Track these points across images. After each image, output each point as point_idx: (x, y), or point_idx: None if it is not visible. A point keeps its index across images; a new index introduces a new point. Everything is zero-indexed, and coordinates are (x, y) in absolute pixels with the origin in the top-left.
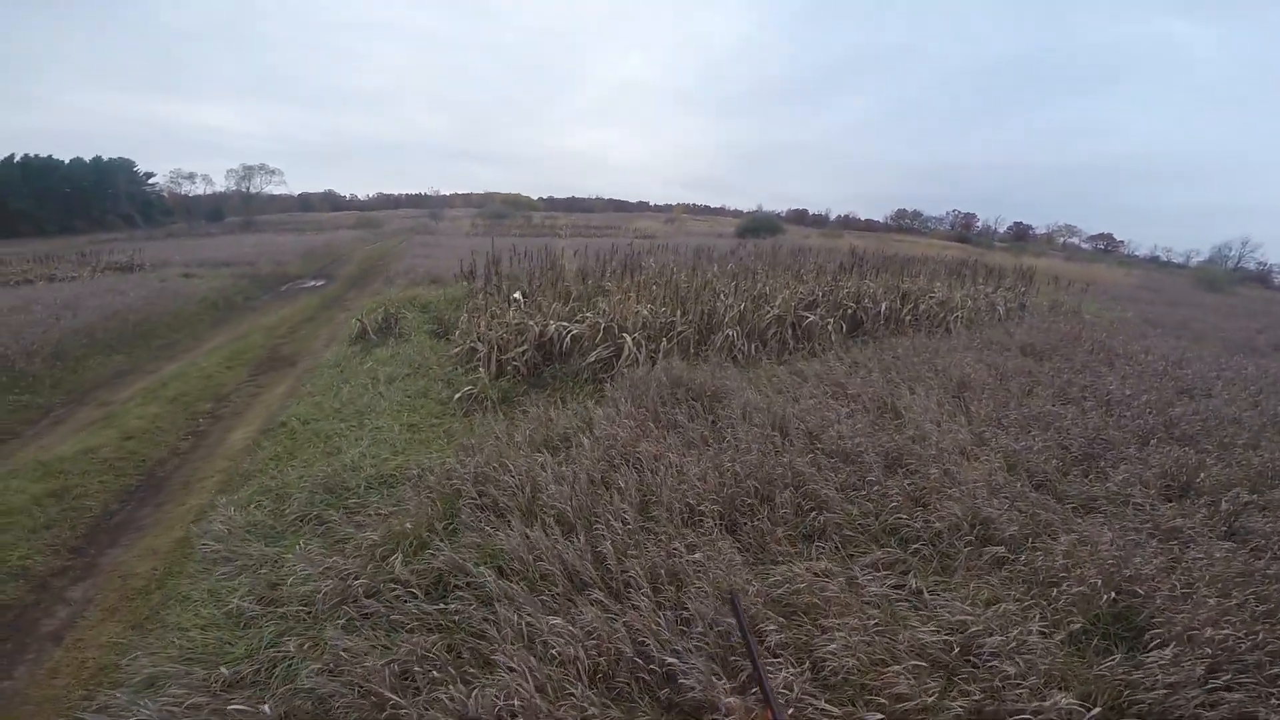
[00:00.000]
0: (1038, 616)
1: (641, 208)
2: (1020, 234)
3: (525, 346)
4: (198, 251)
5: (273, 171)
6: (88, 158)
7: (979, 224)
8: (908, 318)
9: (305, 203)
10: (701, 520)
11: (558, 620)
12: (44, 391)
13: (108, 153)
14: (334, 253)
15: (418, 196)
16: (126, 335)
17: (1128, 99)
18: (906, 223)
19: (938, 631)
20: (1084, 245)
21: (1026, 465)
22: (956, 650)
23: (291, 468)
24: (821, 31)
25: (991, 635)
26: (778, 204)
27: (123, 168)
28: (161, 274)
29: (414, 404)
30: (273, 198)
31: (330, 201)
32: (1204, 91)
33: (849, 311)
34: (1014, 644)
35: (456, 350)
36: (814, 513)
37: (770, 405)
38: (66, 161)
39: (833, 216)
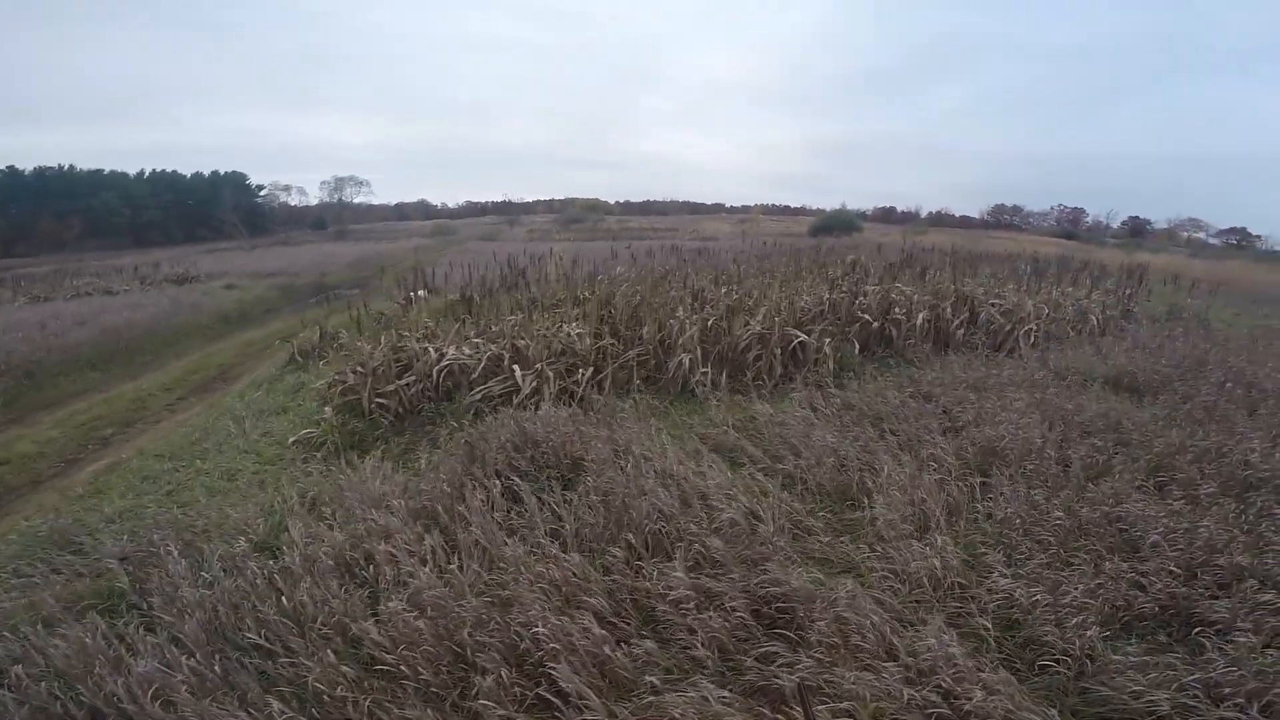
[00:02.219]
0: None
1: (716, 209)
2: (1136, 229)
3: (409, 378)
4: (259, 262)
5: (362, 182)
6: (208, 171)
7: (1088, 219)
8: (958, 332)
9: (401, 211)
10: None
11: None
12: None
13: (228, 166)
14: (384, 261)
15: (503, 203)
16: (113, 352)
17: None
18: (1005, 218)
19: None
20: (1212, 240)
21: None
22: None
23: (83, 506)
24: (909, 17)
25: None
26: (864, 201)
27: (235, 181)
28: (206, 286)
29: (258, 445)
30: (371, 207)
31: (423, 210)
32: None
33: (872, 326)
34: None
35: (321, 383)
36: None
37: (632, 482)
38: (188, 176)
39: (924, 213)
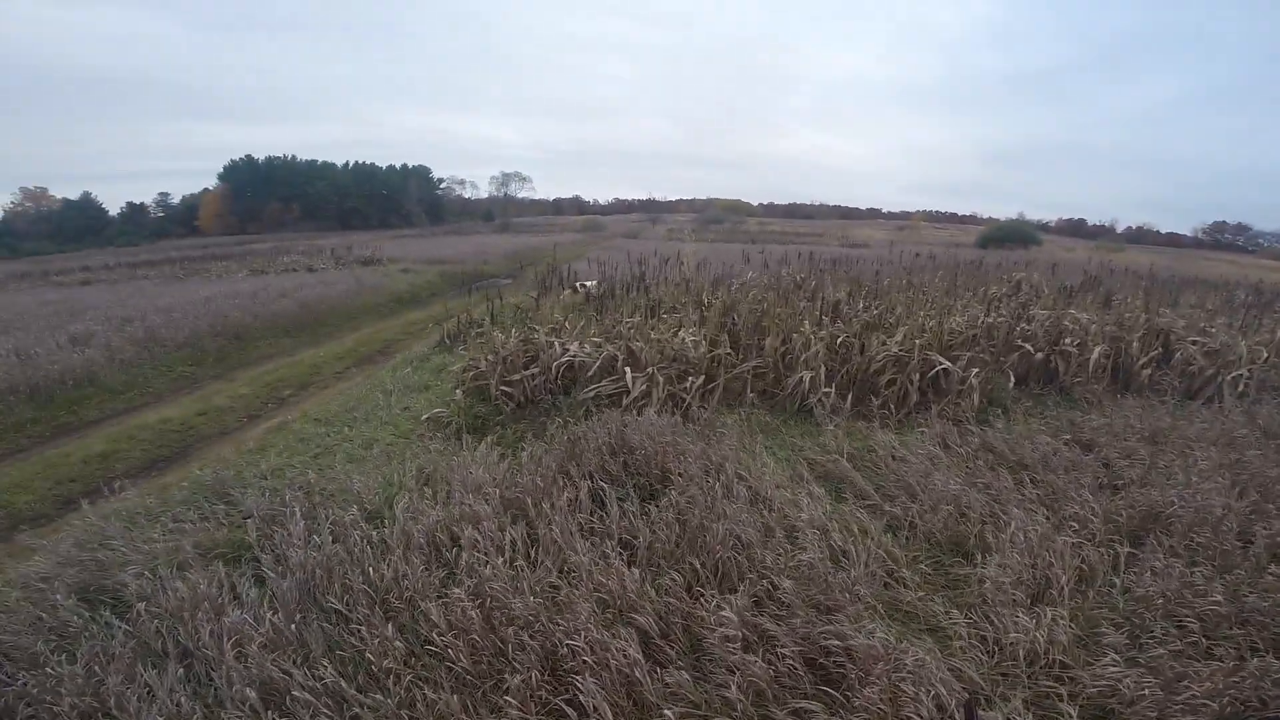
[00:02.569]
0: None
1: (872, 215)
2: None
3: (533, 370)
4: (432, 249)
5: (525, 178)
6: (398, 165)
7: None
8: (1143, 371)
9: (558, 207)
10: None
11: None
12: (207, 364)
13: (412, 160)
14: (537, 253)
15: (648, 201)
16: (305, 322)
17: None
18: (1225, 237)
19: None
20: None
21: None
22: None
23: (246, 460)
24: (1087, 11)
25: None
26: (1046, 212)
27: (421, 174)
28: (386, 269)
29: (398, 419)
30: (532, 201)
31: (577, 205)
32: None
33: (1035, 356)
34: None
35: (458, 366)
36: None
37: (717, 503)
38: (383, 168)
39: (1120, 227)
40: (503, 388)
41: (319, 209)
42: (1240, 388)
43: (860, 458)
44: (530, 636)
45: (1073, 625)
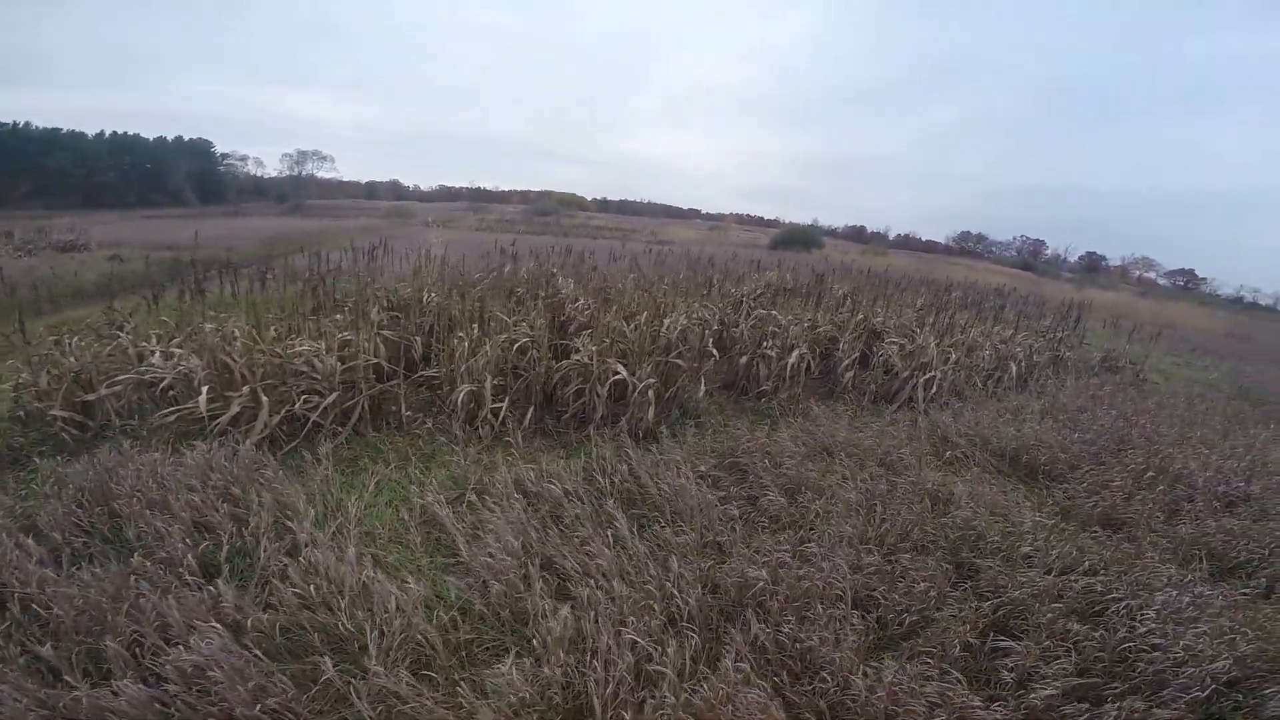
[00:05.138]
0: None
1: (692, 215)
2: (1092, 265)
3: (119, 387)
4: (173, 232)
5: (325, 157)
6: (170, 137)
7: (1047, 252)
8: (846, 374)
9: (372, 190)
10: None
11: None
12: None
13: (197, 134)
14: (308, 240)
15: (478, 190)
16: None
17: (1234, 123)
18: (969, 245)
19: None
20: (1161, 281)
21: None
22: None
23: None
24: (897, 36)
25: None
26: (838, 218)
27: (199, 148)
28: (89, 256)
29: None
30: (341, 183)
31: (394, 190)
32: None
33: (740, 361)
34: None
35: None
36: None
37: None
38: (151, 139)
39: (892, 234)
40: (63, 412)
41: (58, 184)
42: (933, 390)
43: (491, 489)
44: None
45: None
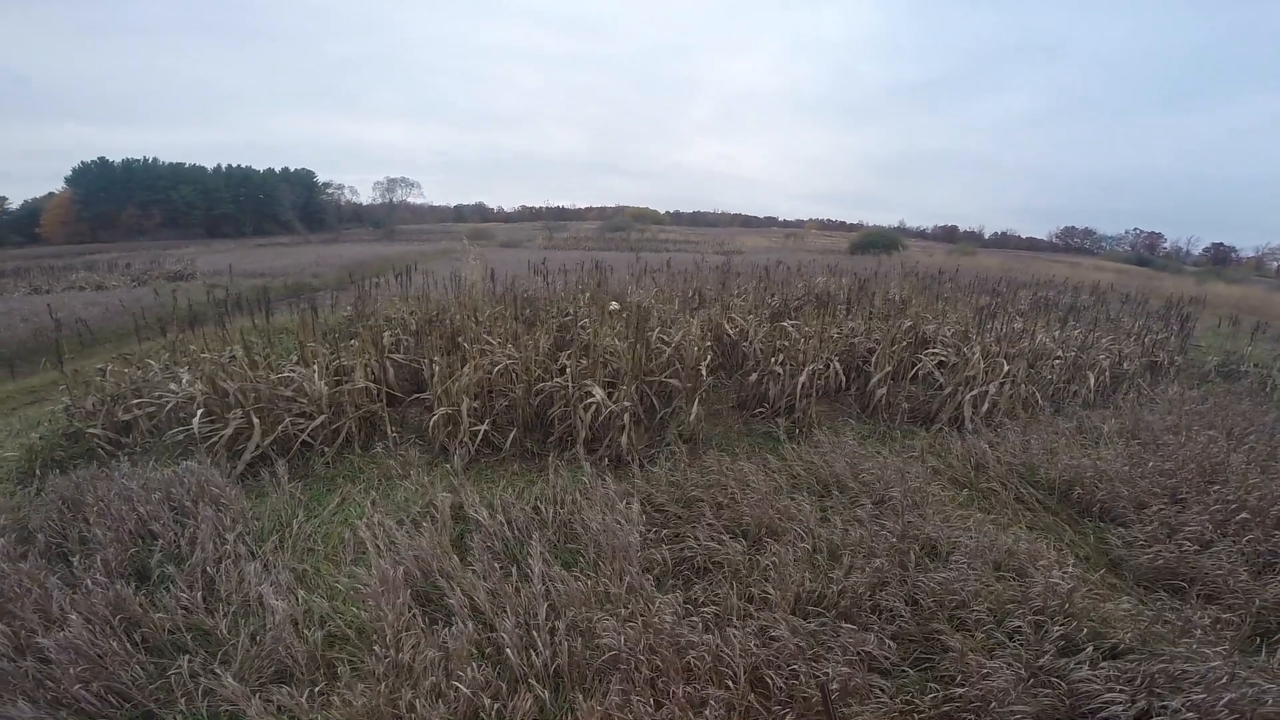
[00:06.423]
0: None
1: (769, 223)
2: (1219, 257)
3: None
4: (269, 260)
5: (412, 184)
6: (277, 168)
7: (1165, 244)
8: (878, 390)
9: (459, 213)
10: None
11: None
12: None
13: (297, 164)
14: (387, 264)
15: (556, 209)
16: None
17: None
18: (1075, 241)
19: None
20: None
21: None
22: None
23: None
24: (957, 23)
25: None
26: (926, 219)
27: (302, 178)
28: (193, 285)
29: None
30: (431, 208)
31: (479, 213)
32: None
33: (749, 379)
34: None
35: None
36: None
37: None
38: (260, 171)
39: (988, 233)
40: (101, 430)
41: (184, 215)
42: (984, 408)
43: (435, 513)
44: None
45: None
